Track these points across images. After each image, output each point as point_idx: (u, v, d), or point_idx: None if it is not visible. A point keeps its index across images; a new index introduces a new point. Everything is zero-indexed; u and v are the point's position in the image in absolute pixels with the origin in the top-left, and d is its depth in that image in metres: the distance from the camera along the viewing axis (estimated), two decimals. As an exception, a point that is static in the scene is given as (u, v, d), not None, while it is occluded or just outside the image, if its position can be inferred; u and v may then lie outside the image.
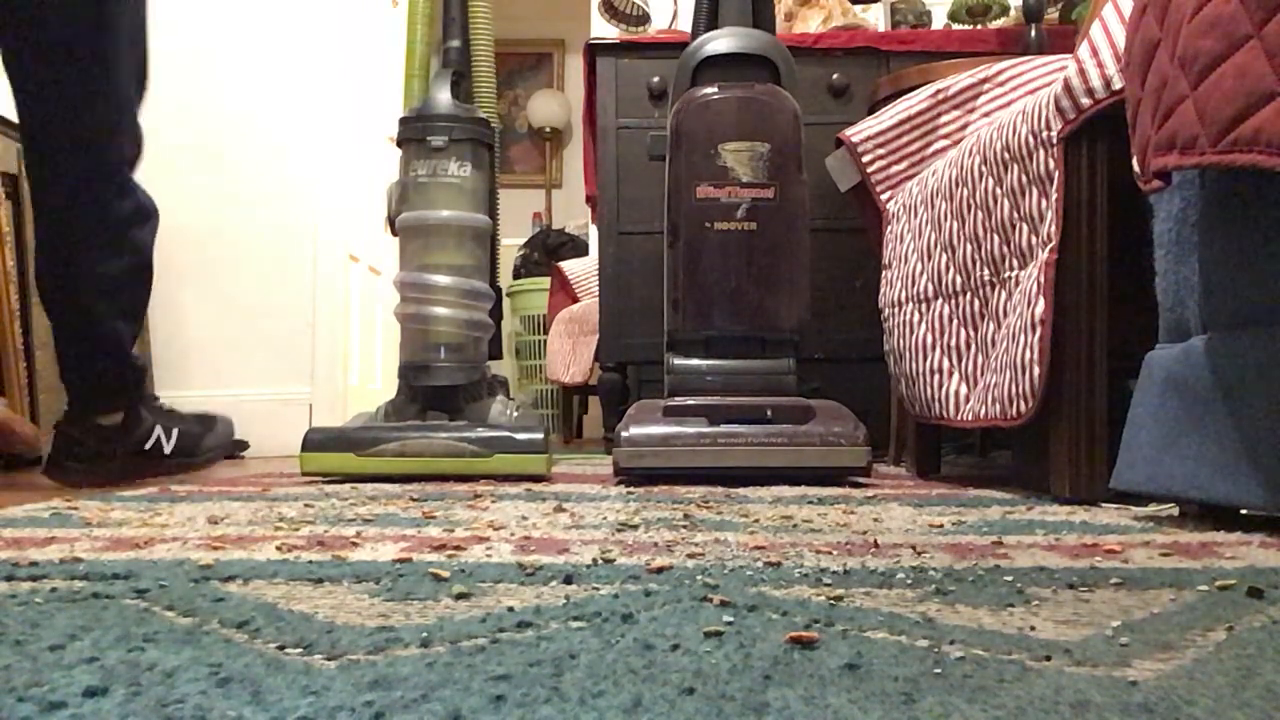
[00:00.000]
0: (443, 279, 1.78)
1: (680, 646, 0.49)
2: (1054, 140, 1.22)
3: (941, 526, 0.97)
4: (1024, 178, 1.29)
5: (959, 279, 1.50)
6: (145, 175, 1.96)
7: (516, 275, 4.43)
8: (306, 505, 1.20)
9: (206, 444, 1.75)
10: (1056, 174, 1.22)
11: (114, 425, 1.61)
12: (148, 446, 1.65)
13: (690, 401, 1.66)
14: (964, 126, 1.79)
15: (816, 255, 2.04)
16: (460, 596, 0.62)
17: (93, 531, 0.95)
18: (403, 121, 1.84)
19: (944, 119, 1.82)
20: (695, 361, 1.75)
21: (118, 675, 0.44)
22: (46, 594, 0.63)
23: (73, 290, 1.58)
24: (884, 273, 1.81)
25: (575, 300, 3.42)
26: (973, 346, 1.47)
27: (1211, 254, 0.93)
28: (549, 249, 4.43)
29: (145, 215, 1.66)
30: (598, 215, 2.61)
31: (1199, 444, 0.92)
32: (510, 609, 0.58)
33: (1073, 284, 1.22)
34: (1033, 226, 1.28)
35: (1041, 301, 1.22)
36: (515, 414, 1.82)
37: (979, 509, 1.14)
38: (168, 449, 1.67)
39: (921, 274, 1.62)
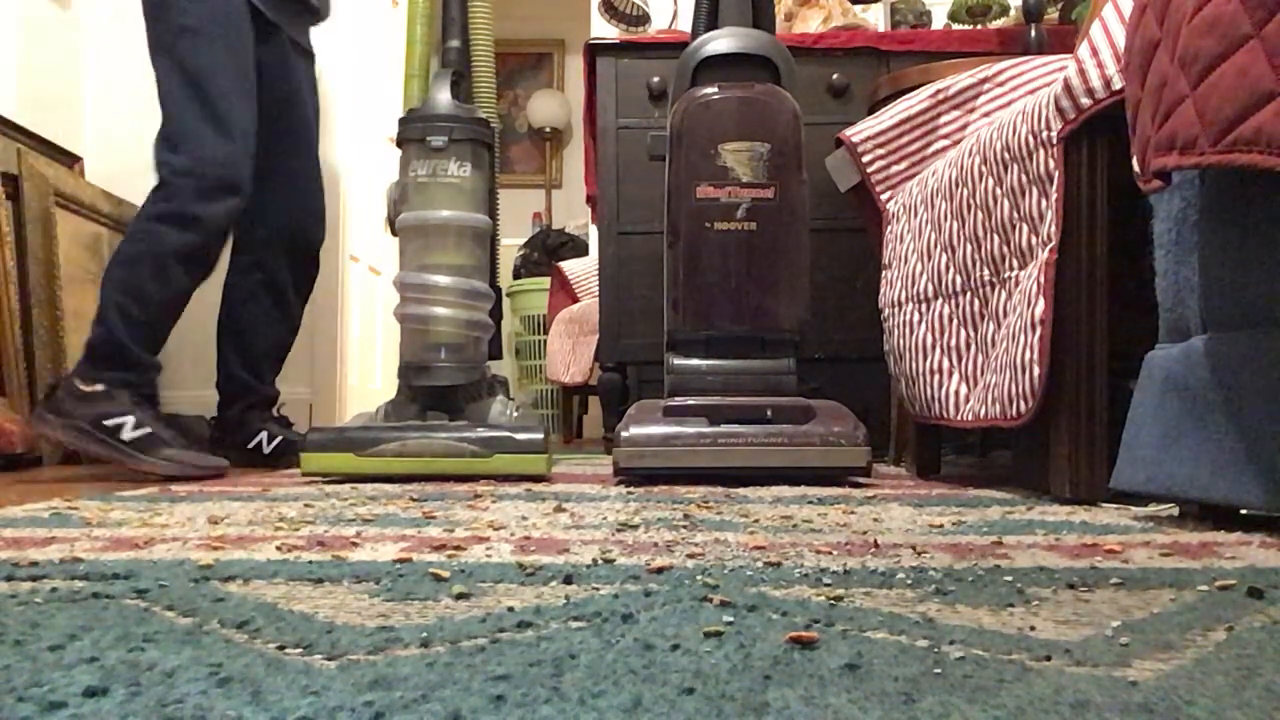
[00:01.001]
0: (443, 279, 1.78)
1: (680, 646, 0.49)
2: (1054, 140, 1.22)
3: (941, 526, 0.97)
4: (1024, 178, 1.29)
5: (959, 279, 1.50)
6: (147, 175, 1.98)
7: (516, 275, 4.43)
8: (306, 505, 1.20)
9: (166, 453, 1.79)
10: (1056, 174, 1.22)
11: (90, 393, 1.75)
12: (108, 424, 1.75)
13: (690, 401, 1.66)
14: (964, 126, 1.79)
15: (816, 255, 2.04)
16: (460, 596, 0.62)
17: (93, 531, 0.95)
18: (403, 121, 1.84)
19: (944, 119, 1.82)
20: (695, 361, 1.75)
21: (118, 675, 0.44)
22: (46, 594, 0.63)
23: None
24: (884, 273, 1.81)
25: (575, 300, 3.42)
26: (973, 346, 1.47)
27: (1211, 254, 0.93)
28: (549, 249, 4.43)
29: (183, 222, 1.83)
30: (598, 215, 2.61)
31: (1199, 444, 0.92)
32: (510, 609, 0.58)
33: (1073, 284, 1.22)
34: (1033, 226, 1.28)
35: (1041, 301, 1.22)
36: (515, 414, 1.82)
37: (979, 509, 1.14)
38: (125, 436, 1.75)
39: (921, 274, 1.62)
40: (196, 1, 1.88)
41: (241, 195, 1.87)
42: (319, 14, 2.18)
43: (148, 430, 1.78)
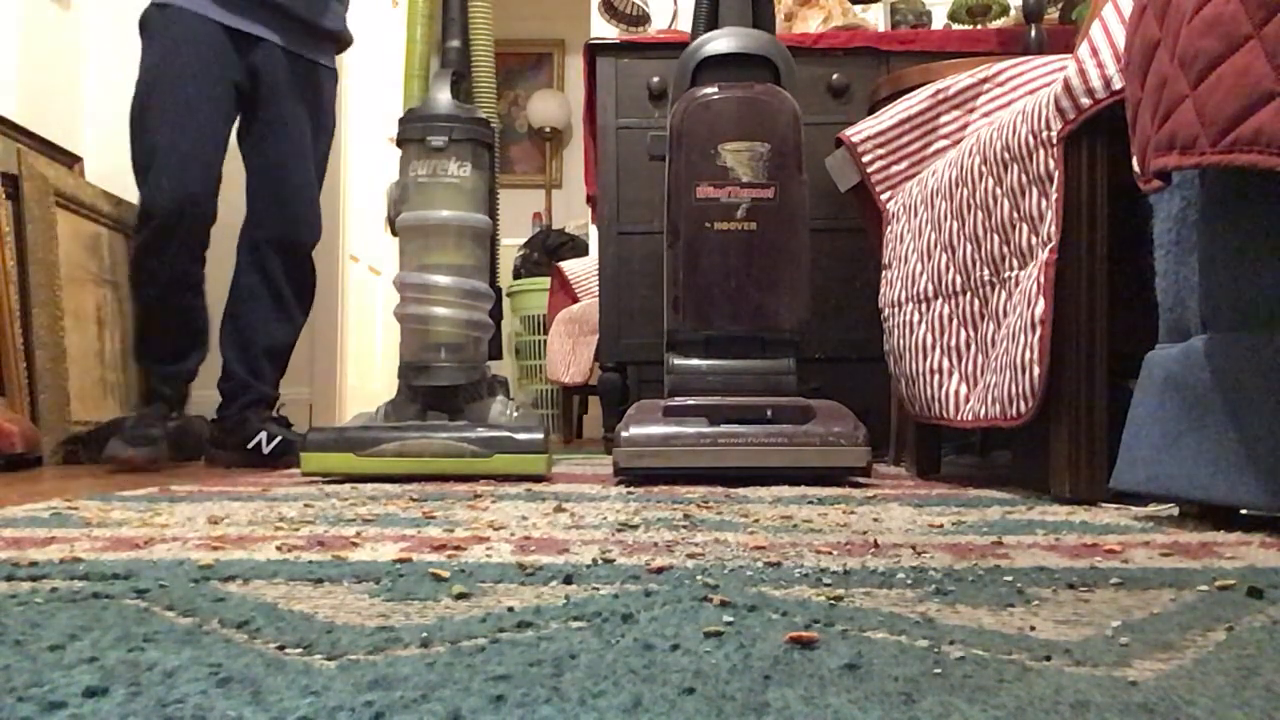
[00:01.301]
0: (443, 279, 1.78)
1: (680, 646, 0.49)
2: (1054, 140, 1.22)
3: (941, 526, 0.97)
4: (1024, 178, 1.29)
5: (959, 279, 1.50)
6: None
7: (516, 275, 4.43)
8: (306, 505, 1.20)
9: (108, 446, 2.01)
10: (1056, 174, 1.22)
11: None
12: None
13: (690, 401, 1.66)
14: (964, 126, 1.79)
15: (816, 255, 2.04)
16: (460, 596, 0.62)
17: (93, 531, 0.95)
18: (403, 121, 1.84)
19: (944, 119, 1.82)
20: (695, 361, 1.75)
21: (118, 675, 0.44)
22: (46, 594, 0.63)
23: None
24: (884, 273, 1.81)
25: (575, 300, 3.42)
26: (973, 346, 1.47)
27: (1211, 254, 0.93)
28: (549, 249, 4.43)
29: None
30: (598, 215, 2.61)
31: (1199, 444, 0.92)
32: (510, 609, 0.58)
33: (1073, 284, 1.22)
34: (1033, 226, 1.28)
35: (1041, 301, 1.22)
36: (515, 414, 1.82)
37: (979, 509, 1.14)
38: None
39: (921, 274, 1.62)
40: (153, 40, 2.06)
41: (157, 218, 2.01)
42: (323, 32, 2.27)
43: (122, 428, 2.04)
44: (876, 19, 3.03)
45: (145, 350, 2.17)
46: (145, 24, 2.08)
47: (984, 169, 1.40)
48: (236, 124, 2.18)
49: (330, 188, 3.22)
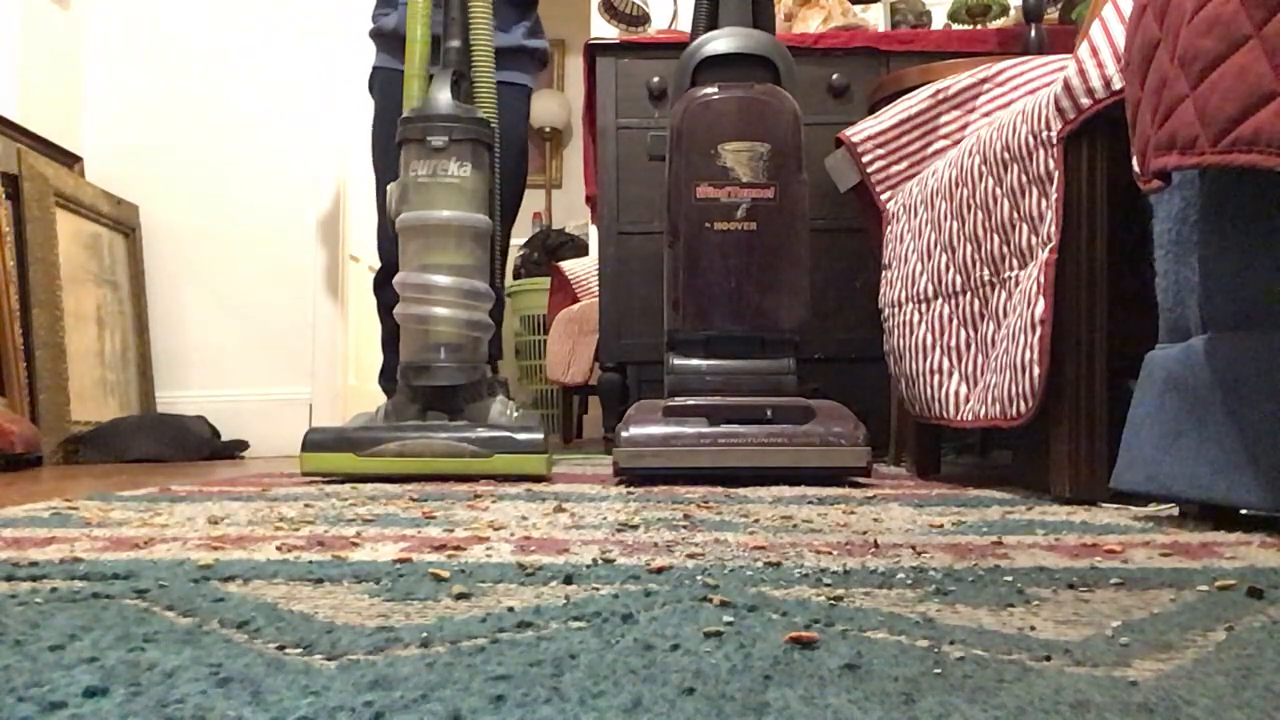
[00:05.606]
0: (443, 279, 1.78)
1: (680, 646, 0.49)
2: (1054, 140, 1.22)
3: (941, 526, 0.97)
4: (1024, 178, 1.29)
5: (959, 279, 1.50)
6: (147, 175, 1.99)
7: (516, 275, 4.43)
8: (306, 505, 1.20)
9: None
10: (1056, 174, 1.22)
11: None
12: None
13: (690, 401, 1.66)
14: (964, 126, 1.79)
15: (816, 255, 2.04)
16: (460, 596, 0.62)
17: (93, 531, 0.95)
18: (403, 121, 1.84)
19: (944, 119, 1.82)
20: (695, 361, 1.75)
21: (118, 675, 0.44)
22: (46, 594, 0.63)
23: None
24: (884, 273, 1.81)
25: (575, 300, 3.42)
26: (973, 346, 1.47)
27: (1211, 254, 0.93)
28: (549, 249, 4.43)
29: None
30: (598, 215, 2.61)
31: (1199, 444, 0.92)
32: (510, 609, 0.58)
33: (1073, 284, 1.22)
34: (1033, 226, 1.28)
35: (1041, 301, 1.22)
36: (515, 414, 1.82)
37: (979, 509, 1.14)
38: None
39: (921, 274, 1.62)
40: (374, 99, 2.34)
41: (382, 256, 2.31)
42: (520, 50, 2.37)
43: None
44: (876, 19, 3.03)
45: (382, 364, 2.40)
46: (369, 85, 2.37)
47: (984, 169, 1.40)
48: None
49: (330, 188, 3.22)
